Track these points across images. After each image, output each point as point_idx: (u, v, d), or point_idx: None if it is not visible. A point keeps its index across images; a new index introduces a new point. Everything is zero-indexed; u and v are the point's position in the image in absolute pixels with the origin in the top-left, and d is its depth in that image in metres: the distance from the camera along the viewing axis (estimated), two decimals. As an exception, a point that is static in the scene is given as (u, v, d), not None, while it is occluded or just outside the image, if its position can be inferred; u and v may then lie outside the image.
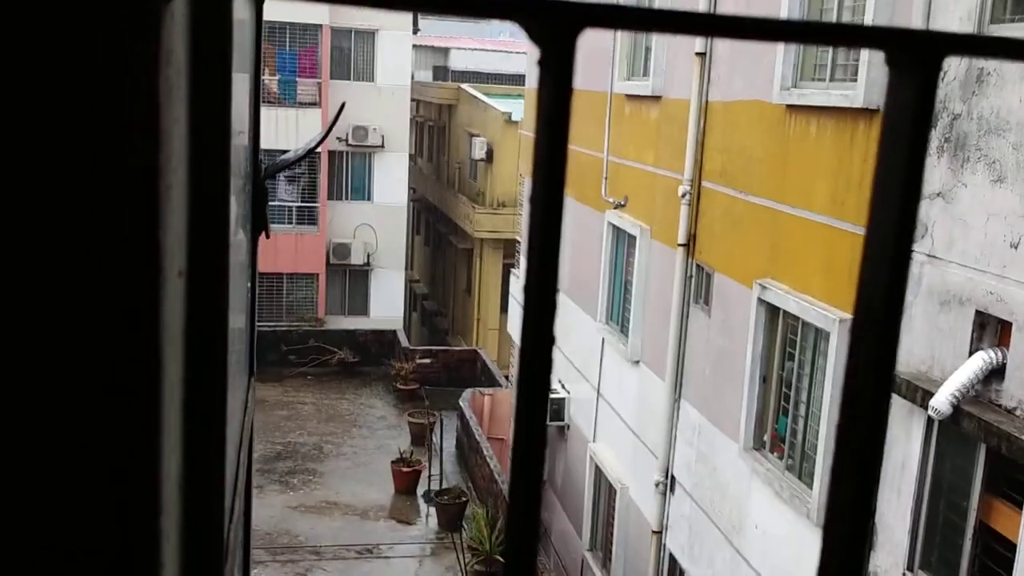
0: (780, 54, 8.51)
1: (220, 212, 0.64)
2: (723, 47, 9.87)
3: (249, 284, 1.72)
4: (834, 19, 8.00)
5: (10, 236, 0.42)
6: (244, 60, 1.47)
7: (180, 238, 0.52)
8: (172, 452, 0.53)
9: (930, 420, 6.36)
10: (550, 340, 0.42)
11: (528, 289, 0.42)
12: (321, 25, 25.22)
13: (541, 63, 0.40)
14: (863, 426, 0.46)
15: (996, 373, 5.91)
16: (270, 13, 25.65)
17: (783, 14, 8.51)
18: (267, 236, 1.71)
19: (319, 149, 25.28)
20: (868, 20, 7.27)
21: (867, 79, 7.26)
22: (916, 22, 6.73)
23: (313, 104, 25.39)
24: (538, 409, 0.44)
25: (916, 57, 0.42)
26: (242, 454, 1.27)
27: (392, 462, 17.92)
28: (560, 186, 0.43)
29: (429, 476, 17.62)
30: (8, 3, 0.39)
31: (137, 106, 0.41)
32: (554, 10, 0.39)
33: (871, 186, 0.44)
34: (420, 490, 17.76)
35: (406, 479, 17.70)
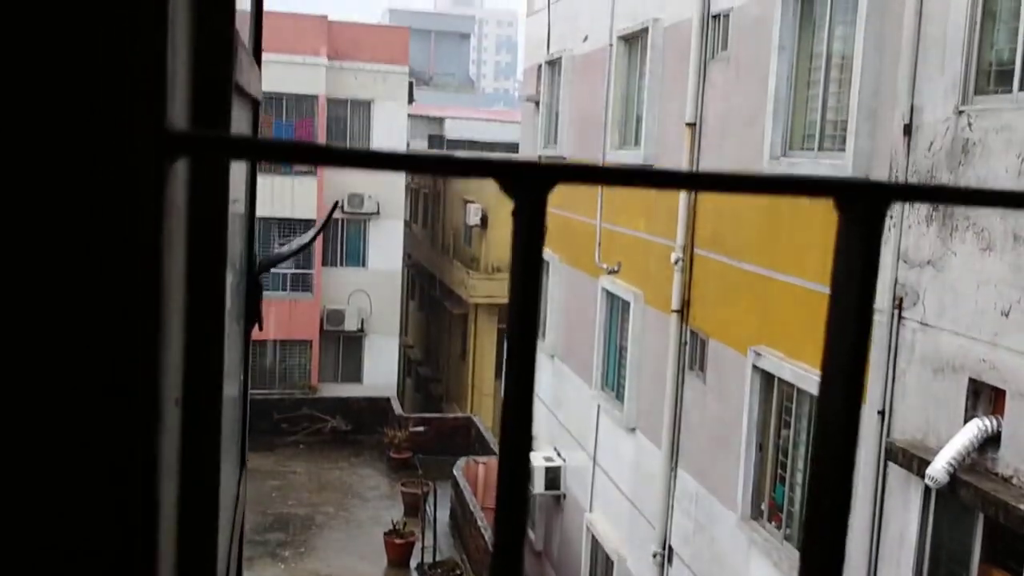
0: (769, 123, 8.68)
1: (215, 344, 0.66)
2: (713, 116, 10.06)
3: (242, 377, 1.73)
4: (820, 94, 8.17)
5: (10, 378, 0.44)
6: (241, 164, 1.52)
7: (176, 368, 0.54)
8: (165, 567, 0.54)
9: (927, 489, 6.32)
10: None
11: (503, 431, 0.44)
12: (317, 96, 25.62)
13: (514, 214, 0.43)
14: (832, 481, 0.48)
15: (992, 441, 5.90)
16: (267, 83, 25.98)
17: (770, 95, 8.69)
18: (260, 328, 1.74)
19: (314, 218, 25.45)
20: (854, 93, 7.43)
21: (855, 148, 7.38)
22: (902, 95, 6.88)
23: (309, 173, 25.65)
24: (521, 470, 0.46)
25: (863, 205, 0.45)
26: (233, 547, 1.27)
27: (385, 533, 17.66)
28: (534, 323, 0.46)
29: (423, 548, 17.34)
30: (10, 162, 0.42)
31: (139, 259, 0.44)
32: (527, 171, 0.42)
33: (825, 322, 0.47)
34: (413, 562, 17.46)
35: (399, 551, 17.42)
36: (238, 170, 1.35)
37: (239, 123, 1.22)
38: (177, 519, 0.59)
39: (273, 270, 25.91)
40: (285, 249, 2.90)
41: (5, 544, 0.48)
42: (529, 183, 0.41)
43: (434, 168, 0.42)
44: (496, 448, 21.35)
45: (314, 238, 2.80)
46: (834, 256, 0.46)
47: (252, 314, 1.61)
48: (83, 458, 0.46)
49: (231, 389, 1.23)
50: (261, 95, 1.56)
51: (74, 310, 0.45)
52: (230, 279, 1.15)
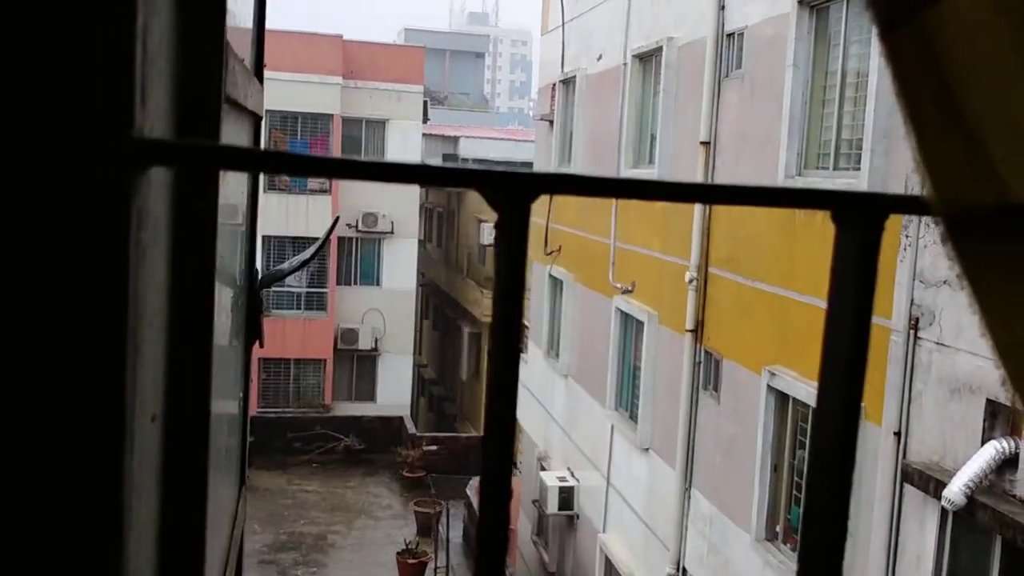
0: (784, 141, 8.65)
1: (201, 360, 0.65)
2: (728, 135, 10.04)
3: (242, 395, 1.72)
4: (835, 112, 8.15)
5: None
6: (241, 176, 1.51)
7: (155, 385, 0.53)
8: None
9: (944, 511, 6.24)
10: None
11: (485, 444, 0.42)
12: (332, 115, 25.77)
13: (497, 226, 0.42)
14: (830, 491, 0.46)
15: (1009, 463, 5.82)
16: (282, 102, 26.09)
17: (784, 113, 8.67)
18: (260, 345, 1.72)
19: (328, 239, 25.55)
20: (870, 111, 7.40)
21: (871, 167, 7.35)
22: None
23: (323, 191, 25.78)
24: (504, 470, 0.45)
25: (860, 216, 0.43)
26: (230, 566, 1.25)
27: (398, 553, 17.59)
28: (517, 333, 0.44)
29: (435, 568, 17.25)
30: None
31: (103, 269, 0.43)
32: (509, 180, 0.40)
33: (823, 336, 0.45)
34: (427, 581, 17.37)
35: (412, 571, 17.34)
36: (237, 185, 1.34)
37: (235, 136, 1.21)
38: (158, 536, 0.58)
39: (287, 289, 26.02)
40: (286, 265, 2.91)
41: None
42: (512, 193, 0.40)
43: (416, 178, 0.41)
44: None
45: (315, 254, 2.80)
46: (832, 268, 0.45)
47: (253, 330, 1.60)
48: (44, 474, 0.45)
49: (227, 406, 1.22)
50: (263, 110, 1.56)
51: (35, 321, 0.44)
52: (229, 294, 1.14)
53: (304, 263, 2.80)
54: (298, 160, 0.38)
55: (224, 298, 1.00)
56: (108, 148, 0.42)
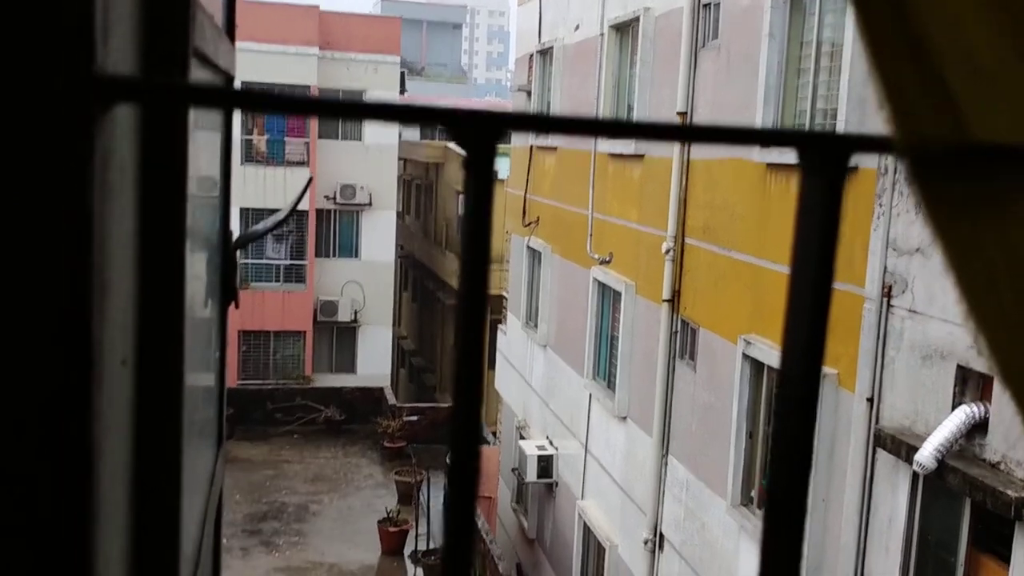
0: (759, 111, 8.67)
1: (173, 302, 0.65)
2: (704, 105, 10.05)
3: (218, 353, 1.72)
4: (810, 82, 8.17)
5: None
6: (215, 133, 1.50)
7: (124, 328, 0.53)
8: (113, 542, 0.54)
9: (915, 475, 6.35)
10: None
11: (457, 369, 0.43)
12: (309, 86, 25.53)
13: (465, 164, 0.43)
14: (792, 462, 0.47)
15: (979, 427, 5.92)
16: (259, 74, 25.77)
17: (760, 83, 8.68)
18: (236, 306, 1.72)
19: (307, 208, 25.40)
20: (844, 81, 7.42)
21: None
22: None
23: (301, 163, 25.60)
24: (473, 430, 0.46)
25: (825, 157, 0.44)
26: (207, 527, 1.26)
27: (379, 522, 17.69)
28: (484, 275, 0.45)
29: (416, 536, 17.38)
30: None
31: (65, 204, 0.43)
32: (475, 119, 0.41)
33: (788, 281, 0.46)
34: (407, 550, 17.50)
35: (393, 539, 17.45)
36: (209, 144, 1.33)
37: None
38: (132, 479, 0.58)
39: (266, 261, 25.87)
40: (261, 226, 2.90)
41: None
42: (478, 129, 0.41)
43: (383, 115, 0.41)
44: (489, 438, 21.41)
45: (289, 214, 2.79)
46: (796, 212, 0.46)
47: (228, 291, 1.60)
48: (10, 415, 0.45)
49: (202, 364, 1.22)
50: (235, 71, 1.55)
51: None
52: (204, 254, 1.14)
53: (279, 223, 2.80)
54: (266, 99, 0.38)
55: (197, 253, 1.00)
56: (69, 83, 0.42)
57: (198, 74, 0.89)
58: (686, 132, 0.43)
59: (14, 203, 0.43)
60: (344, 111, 0.39)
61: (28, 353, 0.45)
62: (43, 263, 0.44)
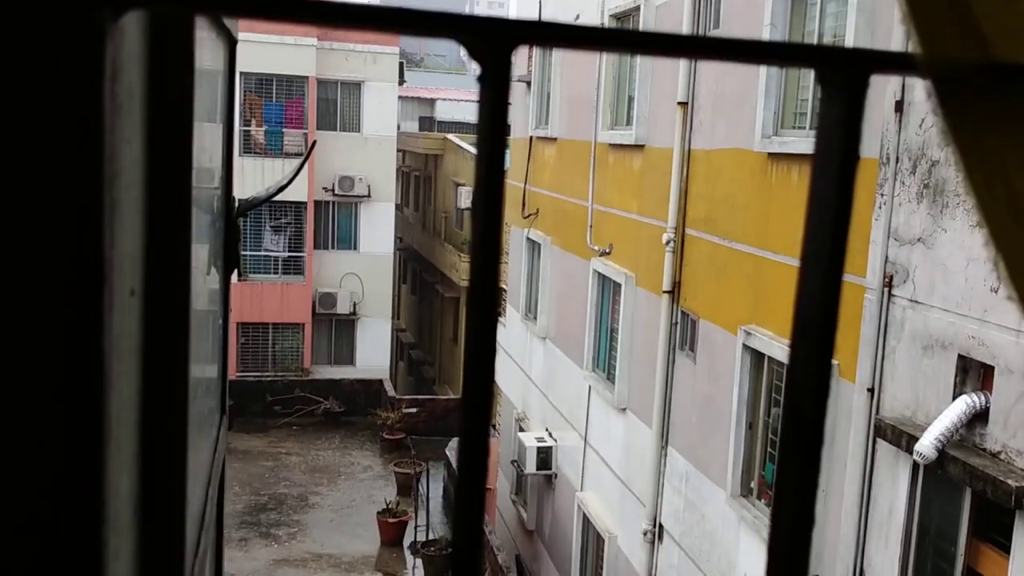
0: (761, 102, 8.65)
1: (181, 232, 0.64)
2: (705, 95, 10.02)
3: (221, 321, 1.71)
4: (816, 28, 8.12)
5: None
6: (216, 100, 1.49)
7: (133, 258, 0.52)
8: (123, 469, 0.53)
9: (916, 465, 6.34)
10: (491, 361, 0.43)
11: (471, 294, 0.42)
12: (308, 77, 25.47)
13: (480, 78, 0.41)
14: (804, 445, 0.46)
15: (980, 417, 5.91)
16: (257, 65, 25.79)
17: (761, 74, 8.65)
18: (240, 276, 1.72)
19: (305, 200, 25.37)
20: (850, 27, 7.39)
21: (846, 127, 7.36)
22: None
23: (300, 154, 25.54)
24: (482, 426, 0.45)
25: (845, 74, 0.43)
26: (211, 490, 1.25)
27: (378, 513, 17.71)
28: (499, 199, 0.44)
29: (416, 527, 17.40)
30: None
31: (78, 111, 0.42)
32: (491, 27, 0.40)
33: (807, 202, 0.45)
34: (407, 541, 17.51)
35: (392, 530, 17.47)
36: (212, 130, 1.32)
37: (214, 59, 1.19)
38: (140, 409, 0.57)
39: (265, 253, 25.84)
40: (263, 192, 2.89)
41: None
42: (496, 39, 0.40)
43: (395, 26, 0.40)
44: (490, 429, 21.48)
45: (292, 179, 2.78)
46: (816, 133, 0.45)
47: (231, 258, 1.59)
48: (15, 340, 0.44)
49: (207, 324, 1.21)
50: (237, 35, 1.54)
51: (4, 174, 0.43)
52: (207, 219, 1.13)
53: (281, 188, 2.79)
54: (271, 3, 0.37)
55: (206, 222, 0.99)
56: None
57: (207, 34, 0.88)
58: (698, 44, 0.42)
59: (26, 108, 0.42)
60: (352, 18, 0.38)
61: (38, 271, 0.44)
62: (54, 170, 0.43)
